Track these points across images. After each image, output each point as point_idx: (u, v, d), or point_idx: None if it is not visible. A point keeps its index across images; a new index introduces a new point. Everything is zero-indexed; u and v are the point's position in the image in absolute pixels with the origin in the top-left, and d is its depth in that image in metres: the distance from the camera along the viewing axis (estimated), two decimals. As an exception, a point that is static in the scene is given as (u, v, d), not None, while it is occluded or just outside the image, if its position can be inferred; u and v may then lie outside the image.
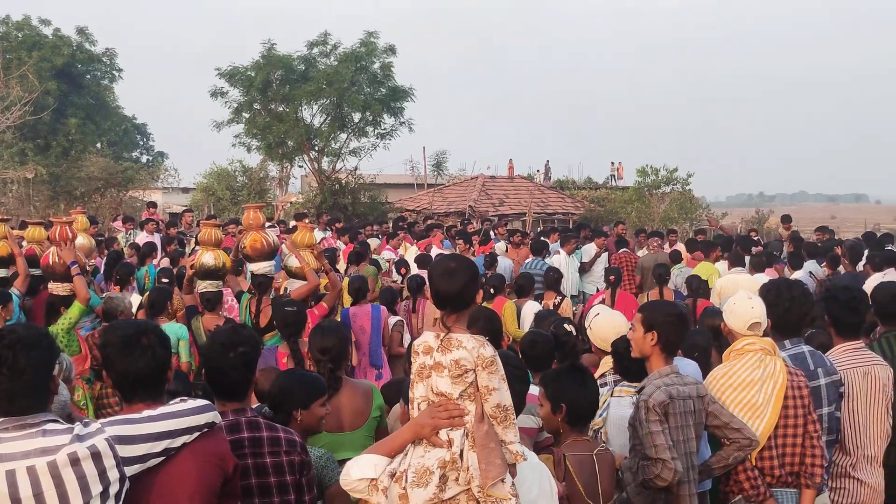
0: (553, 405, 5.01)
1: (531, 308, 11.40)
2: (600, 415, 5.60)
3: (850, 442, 6.18)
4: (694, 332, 7.48)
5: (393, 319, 10.91)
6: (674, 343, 5.44)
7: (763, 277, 12.21)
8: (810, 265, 14.92)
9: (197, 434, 3.74)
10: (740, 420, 5.36)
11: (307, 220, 13.85)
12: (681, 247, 18.39)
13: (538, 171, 50.77)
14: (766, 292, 6.07)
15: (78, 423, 3.49)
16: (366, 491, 3.76)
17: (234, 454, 4.08)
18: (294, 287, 10.06)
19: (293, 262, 9.98)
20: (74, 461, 3.33)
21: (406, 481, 3.64)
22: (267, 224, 11.59)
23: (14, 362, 3.41)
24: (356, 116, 37.61)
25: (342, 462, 5.50)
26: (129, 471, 3.50)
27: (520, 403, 4.31)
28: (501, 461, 3.57)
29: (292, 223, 19.60)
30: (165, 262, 15.00)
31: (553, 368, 5.42)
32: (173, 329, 9.25)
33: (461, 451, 3.61)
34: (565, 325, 7.54)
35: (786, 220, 22.86)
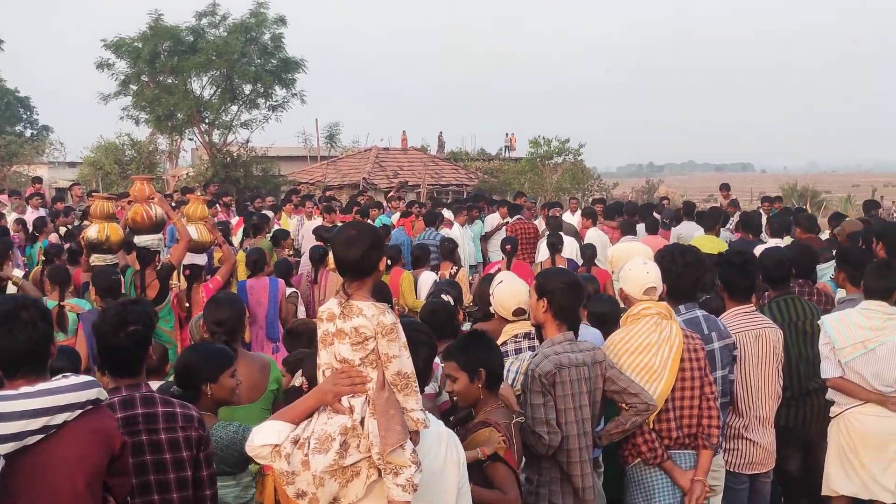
0: (470, 373, 4.94)
1: (428, 278, 11.44)
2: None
3: (743, 404, 6.34)
4: (597, 299, 7.53)
5: (287, 291, 10.83)
6: (567, 310, 5.41)
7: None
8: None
9: (80, 412, 3.63)
10: (638, 385, 5.41)
11: (198, 194, 13.69)
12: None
13: (442, 140, 50.80)
14: (661, 258, 6.15)
15: None
16: (269, 457, 3.73)
17: (127, 430, 4.01)
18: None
19: (192, 234, 9.78)
20: None
21: (308, 448, 3.62)
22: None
23: None
24: (247, 88, 37.19)
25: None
26: (3, 448, 3.41)
27: (426, 370, 4.26)
28: (401, 428, 3.56)
29: (177, 196, 19.25)
30: (54, 238, 14.68)
31: (456, 339, 5.40)
32: (82, 304, 9.06)
33: (362, 419, 3.59)
34: (442, 296, 7.55)
35: (725, 188, 22.69)
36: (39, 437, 3.52)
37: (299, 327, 7.17)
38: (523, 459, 5.13)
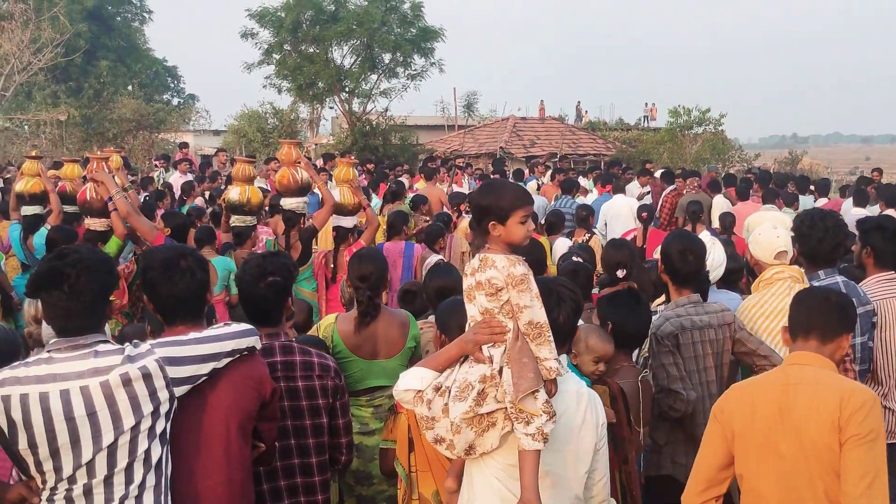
0: (601, 323, 5.11)
1: (562, 244, 11.41)
2: None
3: (883, 371, 6.18)
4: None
5: (433, 258, 10.70)
6: (681, 273, 5.42)
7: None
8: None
9: (235, 357, 3.80)
10: (768, 347, 5.36)
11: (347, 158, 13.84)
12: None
13: (584, 111, 50.55)
14: (801, 222, 6.06)
15: (128, 343, 3.56)
16: (412, 402, 3.82)
17: (267, 378, 4.14)
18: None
19: (335, 196, 9.86)
20: (126, 381, 3.42)
21: (449, 396, 3.69)
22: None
23: (75, 282, 3.48)
24: (386, 57, 37.54)
25: (370, 390, 5.59)
26: (178, 391, 3.59)
27: (569, 326, 4.24)
28: (534, 375, 3.58)
29: (318, 162, 19.69)
30: (199, 201, 15.15)
31: (609, 292, 5.49)
32: (225, 262, 9.30)
33: (500, 368, 3.63)
34: (574, 258, 7.56)
35: None
36: (205, 380, 3.71)
37: (413, 287, 7.21)
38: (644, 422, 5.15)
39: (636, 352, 5.67)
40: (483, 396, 3.63)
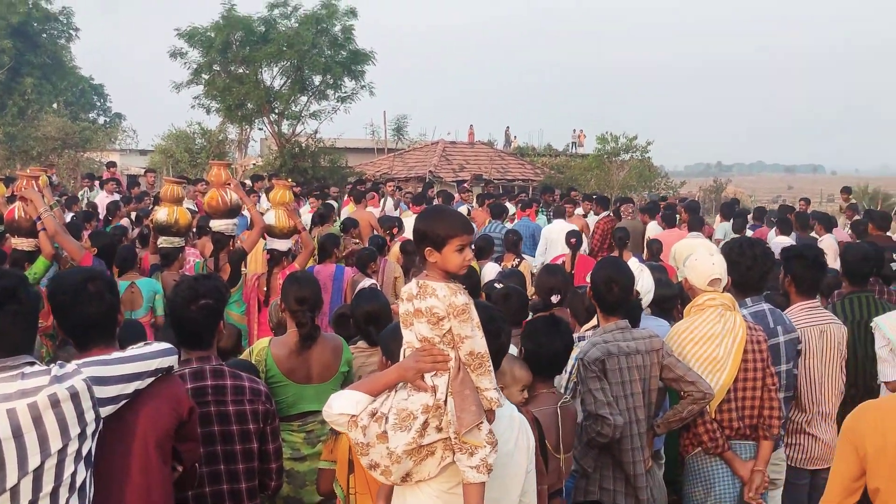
0: (519, 350, 5.11)
1: (491, 269, 11.45)
2: None
3: (806, 399, 6.28)
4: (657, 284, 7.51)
5: (366, 282, 10.59)
6: (607, 302, 5.46)
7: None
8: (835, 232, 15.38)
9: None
10: (696, 373, 5.40)
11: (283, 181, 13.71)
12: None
13: (513, 137, 50.91)
14: (730, 250, 6.15)
15: (54, 364, 3.48)
16: (345, 426, 3.75)
17: (196, 401, 4.10)
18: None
19: (270, 219, 9.73)
20: (55, 403, 3.33)
21: (387, 423, 3.63)
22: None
23: (25, 298, 3.43)
24: (317, 79, 37.23)
25: (302, 415, 5.56)
26: (104, 412, 3.53)
27: (496, 353, 4.23)
28: (477, 408, 3.56)
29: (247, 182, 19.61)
30: (125, 222, 14.98)
31: (532, 318, 5.52)
32: (151, 284, 9.21)
33: (446, 398, 3.61)
34: (495, 285, 7.59)
35: (846, 191, 22.99)
36: (128, 400, 3.65)
37: (346, 311, 7.18)
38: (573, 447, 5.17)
39: (566, 377, 5.70)
40: (425, 427, 3.58)
